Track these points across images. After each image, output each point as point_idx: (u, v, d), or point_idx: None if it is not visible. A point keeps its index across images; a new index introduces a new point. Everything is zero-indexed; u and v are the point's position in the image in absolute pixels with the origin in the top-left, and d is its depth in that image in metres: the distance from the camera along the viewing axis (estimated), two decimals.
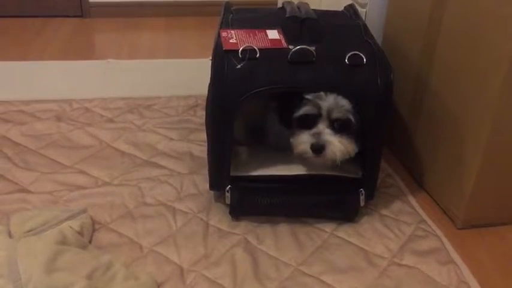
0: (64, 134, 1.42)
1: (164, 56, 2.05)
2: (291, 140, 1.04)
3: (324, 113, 0.98)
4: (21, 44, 2.12)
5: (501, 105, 0.97)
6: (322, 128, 1.00)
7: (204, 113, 1.53)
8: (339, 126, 0.99)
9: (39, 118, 1.50)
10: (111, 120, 1.50)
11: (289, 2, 1.20)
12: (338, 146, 0.99)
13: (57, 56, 2.01)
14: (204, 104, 1.58)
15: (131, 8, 2.51)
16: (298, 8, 1.14)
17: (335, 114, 0.98)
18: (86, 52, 2.09)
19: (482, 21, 0.98)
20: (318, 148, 0.99)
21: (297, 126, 1.02)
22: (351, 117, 0.98)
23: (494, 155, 1.02)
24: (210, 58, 1.05)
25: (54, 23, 2.38)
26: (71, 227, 0.99)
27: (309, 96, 0.98)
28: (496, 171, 1.05)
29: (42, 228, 0.97)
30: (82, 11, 2.48)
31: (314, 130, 1.00)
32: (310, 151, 1.00)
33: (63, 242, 0.94)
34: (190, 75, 1.82)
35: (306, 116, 0.99)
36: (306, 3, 1.18)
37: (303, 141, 1.00)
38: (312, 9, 1.16)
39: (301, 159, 1.09)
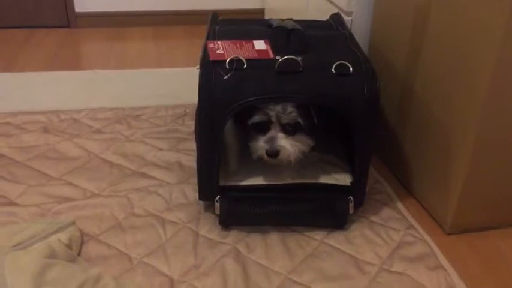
0: (52, 145, 1.41)
1: (152, 65, 2.06)
2: (249, 144, 1.08)
3: (273, 119, 1.04)
4: (6, 55, 2.10)
5: (487, 110, 0.98)
6: (275, 132, 1.05)
7: (192, 122, 1.54)
8: (290, 128, 1.05)
9: (27, 130, 1.49)
10: (99, 131, 1.50)
11: (275, 19, 1.21)
12: (291, 149, 1.05)
13: (43, 67, 2.00)
14: (193, 113, 1.59)
15: (118, 17, 2.51)
16: (284, 21, 1.16)
17: (283, 120, 1.04)
18: (73, 62, 2.08)
19: (466, 29, 0.99)
20: (273, 153, 1.04)
21: (252, 131, 1.07)
22: (299, 119, 1.03)
23: (481, 161, 1.04)
24: (197, 67, 1.05)
25: (40, 34, 2.38)
26: (59, 240, 0.98)
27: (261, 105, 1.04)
28: (483, 177, 1.06)
29: (30, 241, 0.97)
30: (68, 21, 2.48)
31: (268, 135, 1.05)
32: (266, 156, 1.05)
33: (51, 255, 0.94)
34: (178, 85, 1.82)
35: (259, 123, 1.05)
36: (291, 19, 1.19)
37: (259, 147, 1.06)
38: (297, 20, 1.18)
39: (289, 168, 1.10)
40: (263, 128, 1.05)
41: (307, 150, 1.08)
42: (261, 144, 1.05)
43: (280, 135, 1.04)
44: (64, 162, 1.33)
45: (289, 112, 1.02)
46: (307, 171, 1.13)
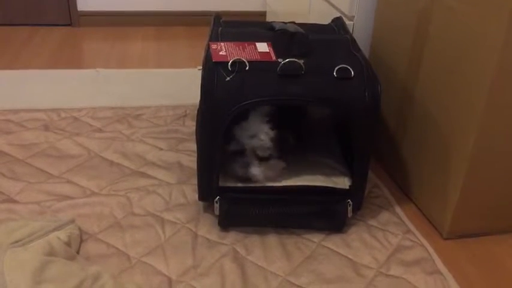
0: (52, 143, 1.41)
1: (153, 65, 2.06)
2: (226, 165, 1.11)
3: (248, 148, 1.08)
4: (9, 53, 2.11)
5: (486, 116, 0.98)
6: (249, 159, 1.09)
7: (193, 123, 1.55)
8: (264, 157, 1.09)
9: (27, 127, 1.49)
10: (99, 130, 1.50)
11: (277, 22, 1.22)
12: (261, 177, 1.09)
13: (45, 65, 2.01)
14: (193, 113, 1.60)
15: (121, 17, 2.51)
16: (286, 24, 1.16)
17: (257, 152, 1.08)
18: (74, 61, 2.08)
19: (466, 38, 1.00)
20: (245, 180, 1.09)
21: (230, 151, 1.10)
22: (272, 152, 1.08)
23: (479, 166, 1.04)
24: (199, 68, 1.06)
25: (43, 32, 2.38)
26: (58, 238, 0.98)
27: (236, 132, 1.07)
28: (482, 182, 1.07)
29: (29, 239, 0.97)
30: (71, 20, 2.48)
31: (243, 160, 1.09)
32: (239, 182, 1.10)
33: (50, 253, 0.94)
34: (180, 85, 1.82)
35: (235, 150, 1.09)
36: (294, 22, 1.20)
37: (232, 171, 1.10)
38: (300, 24, 1.18)
39: (288, 170, 1.11)
40: (239, 150, 1.09)
41: (279, 173, 1.11)
42: (235, 169, 1.09)
43: (255, 162, 1.08)
44: (64, 161, 1.34)
45: (262, 145, 1.06)
46: (307, 174, 1.13)
